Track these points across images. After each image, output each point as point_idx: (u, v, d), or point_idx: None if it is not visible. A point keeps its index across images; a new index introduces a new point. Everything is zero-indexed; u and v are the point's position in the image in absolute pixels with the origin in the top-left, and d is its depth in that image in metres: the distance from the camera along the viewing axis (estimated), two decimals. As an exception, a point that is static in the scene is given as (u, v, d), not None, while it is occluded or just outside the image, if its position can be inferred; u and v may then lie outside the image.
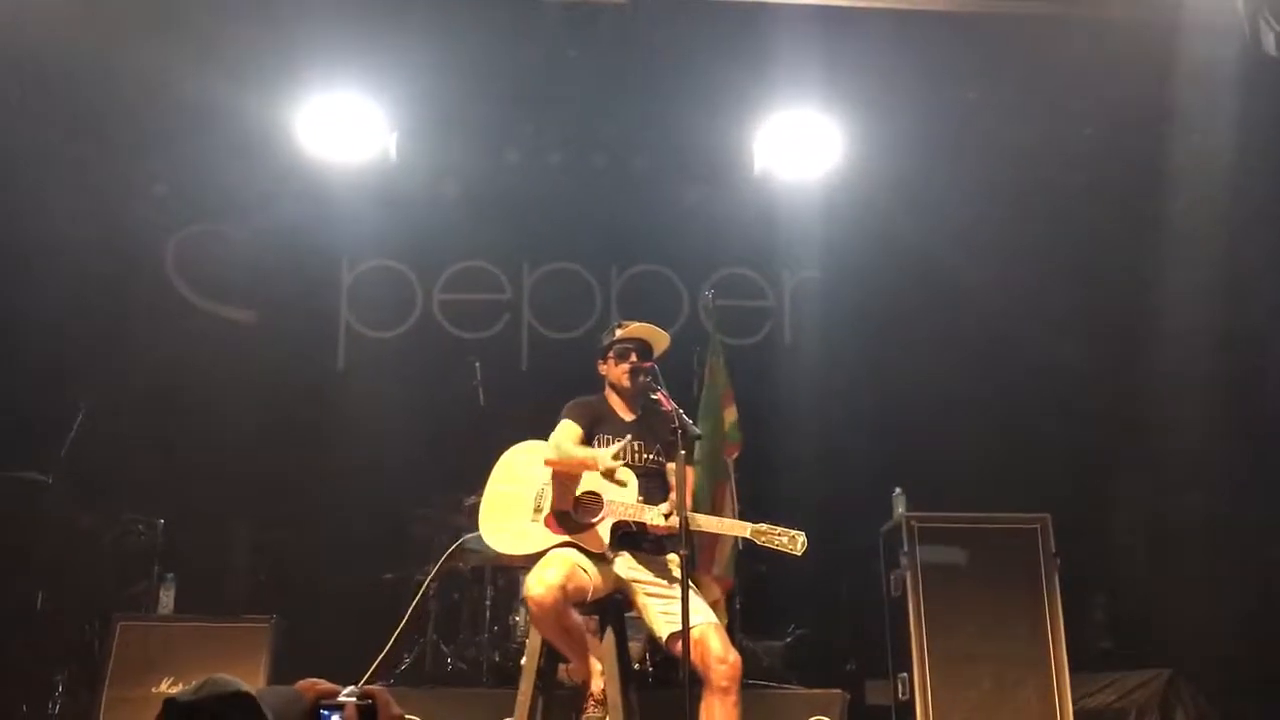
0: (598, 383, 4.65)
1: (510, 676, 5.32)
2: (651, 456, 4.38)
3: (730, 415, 5.78)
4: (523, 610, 5.69)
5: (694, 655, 3.86)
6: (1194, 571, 6.31)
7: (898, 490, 5.75)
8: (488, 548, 4.51)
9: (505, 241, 7.98)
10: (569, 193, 7.49)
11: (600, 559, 4.14)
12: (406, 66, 6.41)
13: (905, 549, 5.34)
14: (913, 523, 5.41)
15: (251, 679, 4.73)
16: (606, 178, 7.38)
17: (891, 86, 6.57)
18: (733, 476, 5.77)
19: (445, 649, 6.01)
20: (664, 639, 4.08)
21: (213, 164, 7.09)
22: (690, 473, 4.12)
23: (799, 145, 6.88)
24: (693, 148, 7.25)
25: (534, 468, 4.34)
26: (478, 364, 6.63)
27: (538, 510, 4.24)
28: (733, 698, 3.91)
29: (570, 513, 4.22)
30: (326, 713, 1.56)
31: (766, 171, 7.07)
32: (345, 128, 6.65)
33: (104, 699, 5.12)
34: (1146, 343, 6.77)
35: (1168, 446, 6.73)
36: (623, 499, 4.15)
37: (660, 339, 4.56)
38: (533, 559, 4.11)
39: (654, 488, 4.27)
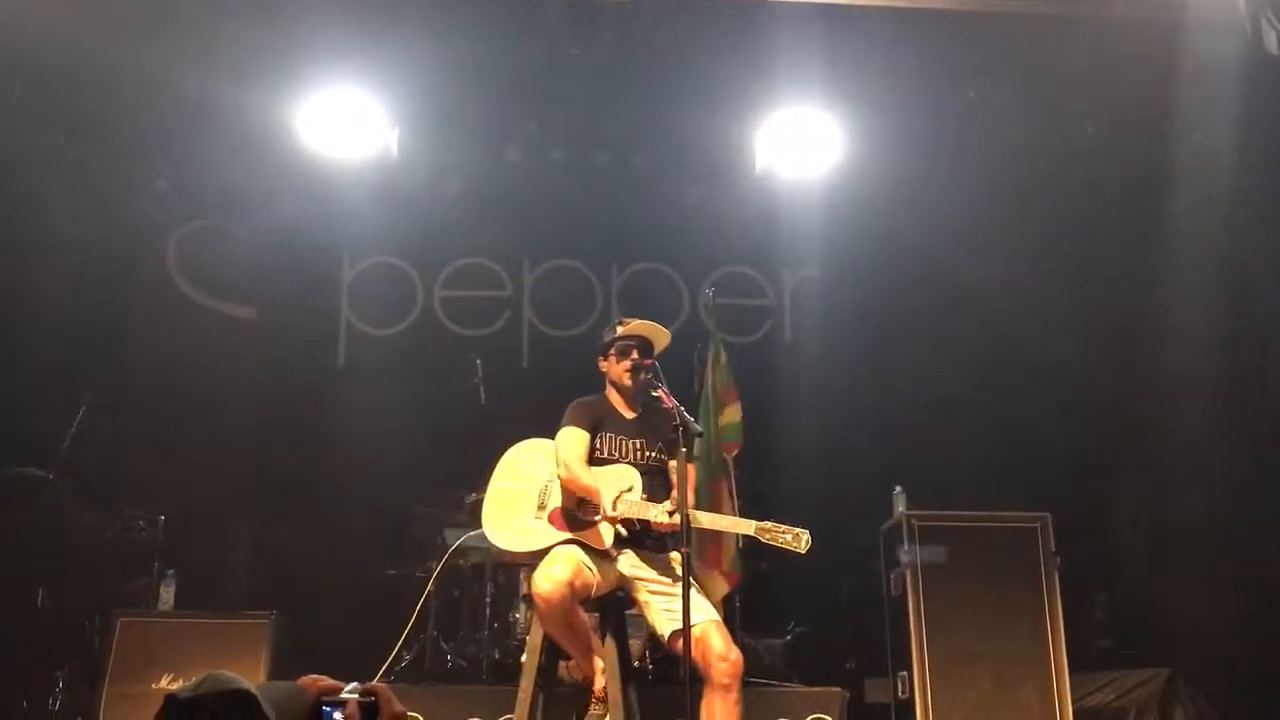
0: (598, 380, 4.65)
1: (510, 673, 5.33)
2: (653, 455, 4.39)
3: (732, 414, 5.77)
4: (523, 607, 5.70)
5: (695, 653, 3.87)
6: (1193, 571, 6.31)
7: (898, 489, 5.74)
8: (488, 545, 4.52)
9: (506, 239, 7.99)
10: (570, 190, 7.49)
11: (603, 556, 4.15)
12: (408, 63, 6.41)
13: (906, 547, 5.34)
14: (913, 521, 5.41)
15: (251, 675, 4.72)
16: (607, 175, 7.38)
17: (892, 85, 6.57)
18: (732, 474, 5.77)
19: (445, 646, 6.01)
20: (666, 637, 4.08)
21: (213, 161, 7.09)
22: (690, 469, 4.12)
23: (800, 144, 6.88)
24: (693, 146, 7.25)
25: (536, 465, 4.35)
26: (478, 361, 6.63)
27: (541, 507, 4.25)
28: (734, 695, 3.92)
29: (574, 510, 4.22)
30: (329, 709, 1.55)
31: (767, 170, 7.07)
32: (346, 124, 6.65)
33: (104, 695, 5.12)
34: (1147, 342, 6.77)
35: (1168, 446, 6.73)
36: (626, 497, 4.16)
37: (661, 336, 4.56)
38: (535, 556, 4.11)
39: (656, 485, 4.27)
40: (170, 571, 5.80)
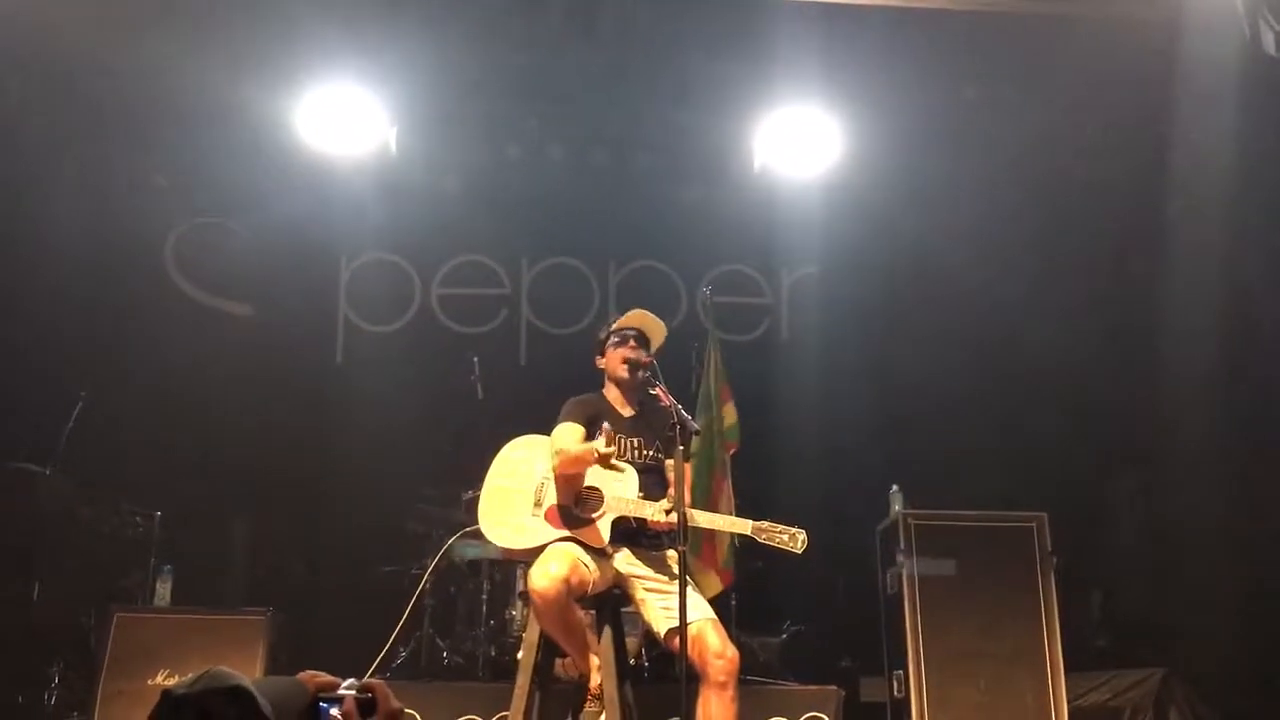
0: (596, 379, 4.65)
1: (506, 671, 5.34)
2: (651, 453, 4.39)
3: (729, 413, 5.78)
4: (519, 604, 5.71)
5: (692, 651, 3.87)
6: (1190, 571, 6.32)
7: (895, 488, 5.75)
8: (485, 543, 4.51)
9: (504, 236, 7.99)
10: (568, 188, 7.49)
11: (600, 554, 4.15)
12: (407, 61, 6.41)
13: (901, 547, 5.34)
14: (909, 520, 5.40)
15: (248, 672, 4.71)
16: (606, 173, 7.38)
17: (891, 84, 6.57)
18: (730, 473, 5.78)
19: (441, 643, 6.01)
20: (662, 634, 4.08)
21: (212, 158, 7.09)
22: (687, 468, 4.12)
23: (799, 142, 6.87)
24: (692, 144, 7.25)
25: (533, 462, 4.34)
26: (476, 359, 6.63)
27: (538, 504, 4.24)
28: (730, 693, 3.92)
29: (571, 507, 4.22)
30: (326, 705, 1.56)
31: (766, 168, 7.07)
32: (345, 121, 6.64)
33: (100, 691, 5.10)
34: (1145, 341, 6.77)
35: (1165, 446, 6.74)
36: (623, 495, 4.16)
37: (657, 328, 4.55)
38: (532, 553, 4.11)
39: (653, 483, 4.27)
40: (167, 567, 5.79)
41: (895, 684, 5.38)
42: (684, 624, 3.70)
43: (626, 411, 4.50)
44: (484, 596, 5.93)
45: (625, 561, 4.23)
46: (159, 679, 5.09)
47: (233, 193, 7.41)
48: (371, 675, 3.06)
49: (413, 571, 6.05)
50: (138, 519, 6.22)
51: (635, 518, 4.14)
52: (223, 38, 6.05)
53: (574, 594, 3.96)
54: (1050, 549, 5.36)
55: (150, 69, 6.19)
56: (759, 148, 7.00)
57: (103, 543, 6.11)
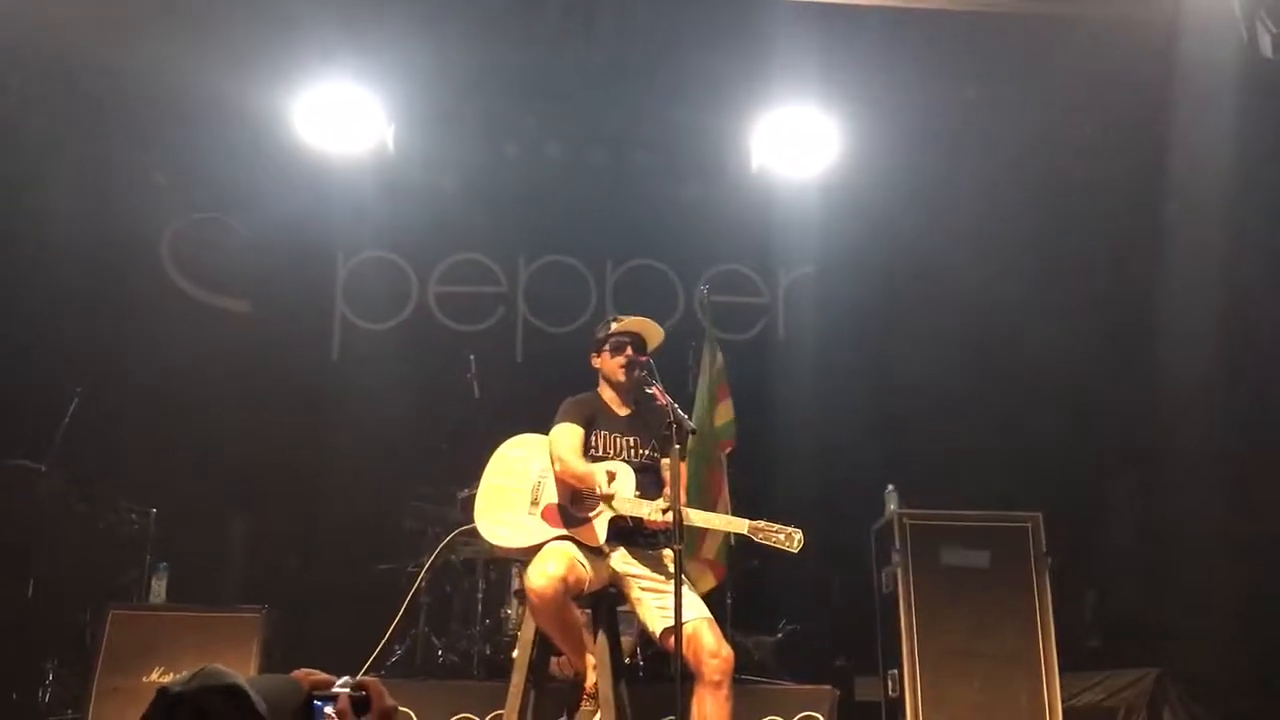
0: (592, 376, 4.64)
1: (501, 669, 5.34)
2: (647, 452, 4.39)
3: (726, 412, 5.78)
4: (514, 603, 5.71)
5: (687, 650, 3.86)
6: (1185, 572, 6.33)
7: (890, 487, 5.75)
8: (480, 541, 4.51)
9: (501, 235, 7.99)
10: (566, 186, 7.49)
11: (596, 553, 4.15)
12: (405, 59, 6.41)
13: (897, 546, 5.35)
14: (904, 520, 5.41)
15: (243, 669, 4.73)
16: (603, 172, 7.38)
17: (889, 84, 6.58)
18: (726, 470, 5.77)
19: (437, 641, 6.01)
20: (658, 634, 4.08)
21: (209, 154, 7.08)
22: (683, 466, 4.12)
23: (796, 142, 6.88)
24: (690, 143, 7.25)
25: (529, 461, 4.34)
26: (473, 357, 6.63)
27: (534, 503, 4.24)
28: (724, 692, 3.92)
29: (569, 506, 4.22)
30: (320, 703, 1.56)
31: (763, 168, 7.07)
32: (343, 119, 6.64)
33: (95, 688, 5.09)
34: (1142, 341, 6.78)
35: (1161, 446, 6.75)
36: (620, 494, 4.15)
37: (654, 333, 4.55)
38: (528, 552, 4.11)
39: (649, 483, 4.27)
40: (163, 564, 5.79)
41: (890, 683, 5.39)
42: (679, 623, 3.70)
43: (622, 411, 4.50)
44: (479, 595, 5.93)
45: (621, 560, 4.23)
46: (154, 676, 5.08)
47: (231, 190, 7.40)
48: (366, 673, 3.06)
49: (409, 569, 6.05)
50: (134, 516, 6.21)
51: (632, 517, 4.14)
52: (221, 36, 6.04)
53: (571, 593, 3.97)
54: (1045, 549, 5.36)
55: (149, 67, 6.18)
56: (757, 147, 7.01)
57: (98, 539, 6.10)
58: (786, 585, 6.51)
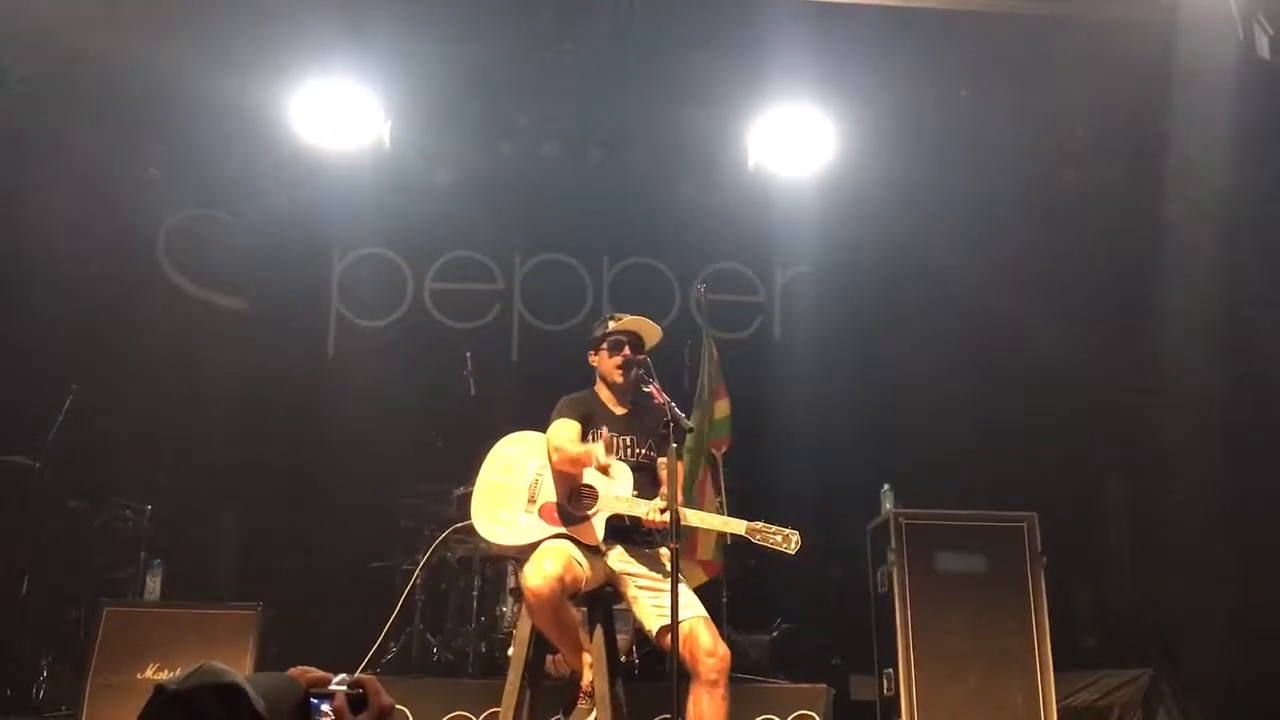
0: (589, 375, 4.63)
1: (496, 667, 5.34)
2: (643, 451, 4.38)
3: (722, 410, 5.79)
4: (510, 601, 5.70)
5: (683, 648, 3.86)
6: (1180, 572, 6.34)
7: (886, 486, 5.76)
8: (476, 539, 4.50)
9: (498, 232, 7.98)
10: (562, 184, 7.48)
11: (593, 551, 4.14)
12: (402, 56, 6.41)
13: (893, 545, 5.34)
14: (900, 519, 5.41)
15: (238, 666, 4.70)
16: (600, 170, 7.38)
17: (886, 83, 6.60)
18: (720, 468, 5.78)
19: (432, 639, 6.00)
20: (654, 632, 4.08)
21: (206, 151, 7.07)
22: (680, 464, 4.11)
23: (793, 140, 6.87)
24: (687, 141, 7.26)
25: (526, 458, 4.33)
26: (469, 354, 6.63)
27: (531, 501, 4.24)
28: (721, 690, 3.92)
29: (567, 505, 4.21)
30: (317, 701, 1.56)
31: (760, 166, 7.07)
32: (339, 116, 6.62)
33: (89, 684, 5.08)
34: (1138, 341, 6.80)
35: (1157, 446, 6.76)
36: (618, 493, 4.15)
37: (652, 332, 4.54)
38: (524, 550, 4.11)
39: (645, 482, 4.26)
40: (157, 561, 5.77)
41: (885, 682, 5.39)
42: (675, 622, 3.70)
43: (619, 410, 4.49)
44: (475, 593, 5.92)
45: (618, 559, 4.23)
46: (148, 673, 5.07)
47: (227, 186, 7.40)
48: (362, 671, 3.06)
49: (404, 567, 6.04)
50: (128, 513, 6.21)
51: (629, 516, 4.13)
52: (218, 32, 6.04)
53: (567, 591, 3.96)
54: (1040, 548, 5.37)
55: (145, 62, 6.18)
56: (753, 145, 7.00)
57: (93, 536, 6.09)
58: (782, 584, 6.51)
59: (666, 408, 3.98)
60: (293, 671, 1.59)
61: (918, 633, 5.21)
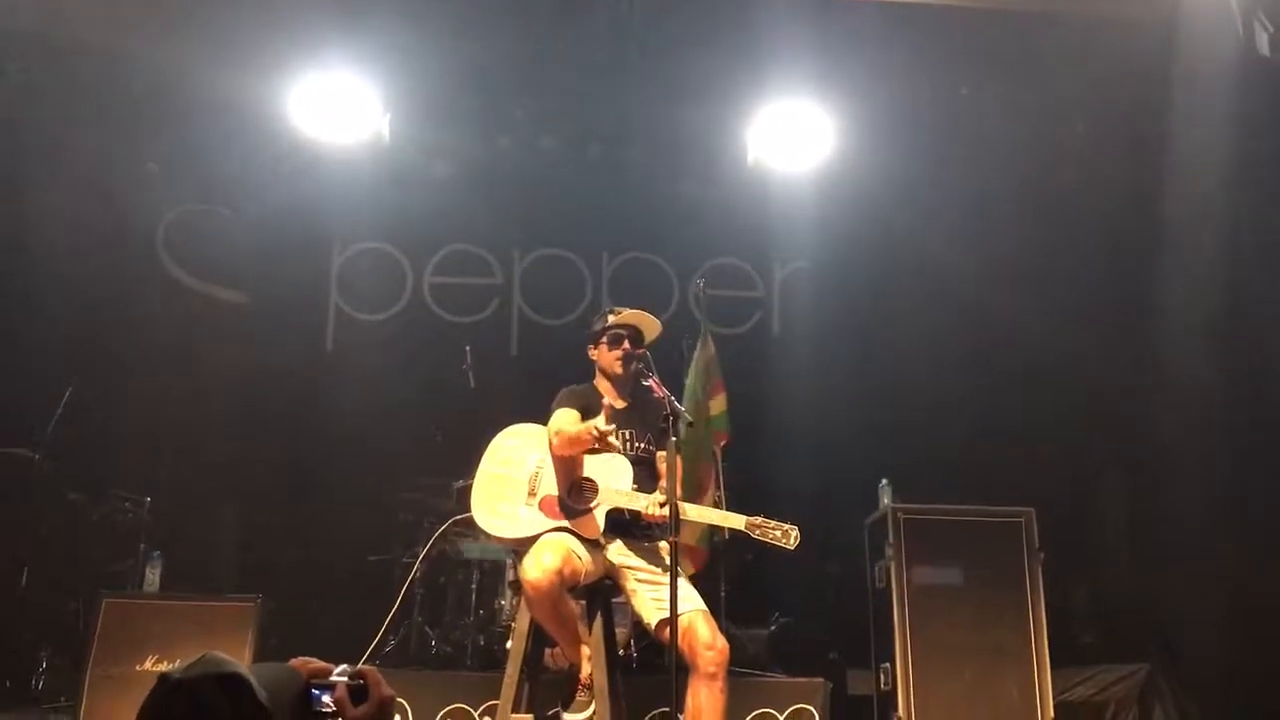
0: (588, 369, 4.64)
1: (495, 660, 5.34)
2: (643, 445, 4.38)
3: (719, 404, 5.78)
4: (508, 594, 5.71)
5: (682, 642, 3.87)
6: (1177, 567, 6.35)
7: (884, 481, 5.77)
8: (475, 531, 4.50)
9: (497, 226, 7.99)
10: (562, 179, 7.49)
11: (592, 544, 4.14)
12: (402, 50, 6.40)
13: (890, 540, 5.36)
14: (898, 514, 5.42)
15: (237, 658, 4.73)
16: (599, 165, 7.39)
17: (885, 79, 6.59)
18: (719, 463, 5.78)
19: (430, 632, 6.01)
20: (653, 625, 4.09)
21: (205, 144, 7.07)
22: (679, 458, 4.11)
23: (792, 136, 6.87)
24: (686, 137, 7.26)
25: (526, 451, 4.33)
26: (468, 348, 6.63)
27: (532, 494, 4.24)
28: (719, 684, 3.93)
29: (567, 498, 4.22)
30: (318, 691, 1.57)
31: (759, 162, 7.07)
32: (339, 109, 6.62)
33: (88, 676, 5.08)
34: (1136, 338, 6.80)
35: (1154, 442, 6.77)
36: (618, 486, 4.16)
37: (652, 326, 4.55)
38: (524, 543, 4.11)
39: (644, 475, 4.26)
40: (156, 553, 5.77)
41: (882, 677, 5.40)
42: (674, 615, 3.71)
43: (619, 404, 4.49)
44: (473, 586, 5.93)
45: (618, 552, 4.23)
46: (147, 664, 5.08)
47: (226, 181, 7.40)
48: (362, 663, 3.07)
49: (403, 560, 6.05)
50: (127, 505, 6.22)
51: (629, 509, 4.14)
52: (217, 26, 6.03)
53: (566, 585, 3.96)
54: (1038, 544, 5.38)
55: (144, 57, 6.18)
56: (752, 141, 7.00)
57: (92, 528, 6.10)
58: (780, 579, 6.52)
59: (666, 401, 3.98)
60: (294, 662, 1.60)
61: (915, 627, 5.22)
